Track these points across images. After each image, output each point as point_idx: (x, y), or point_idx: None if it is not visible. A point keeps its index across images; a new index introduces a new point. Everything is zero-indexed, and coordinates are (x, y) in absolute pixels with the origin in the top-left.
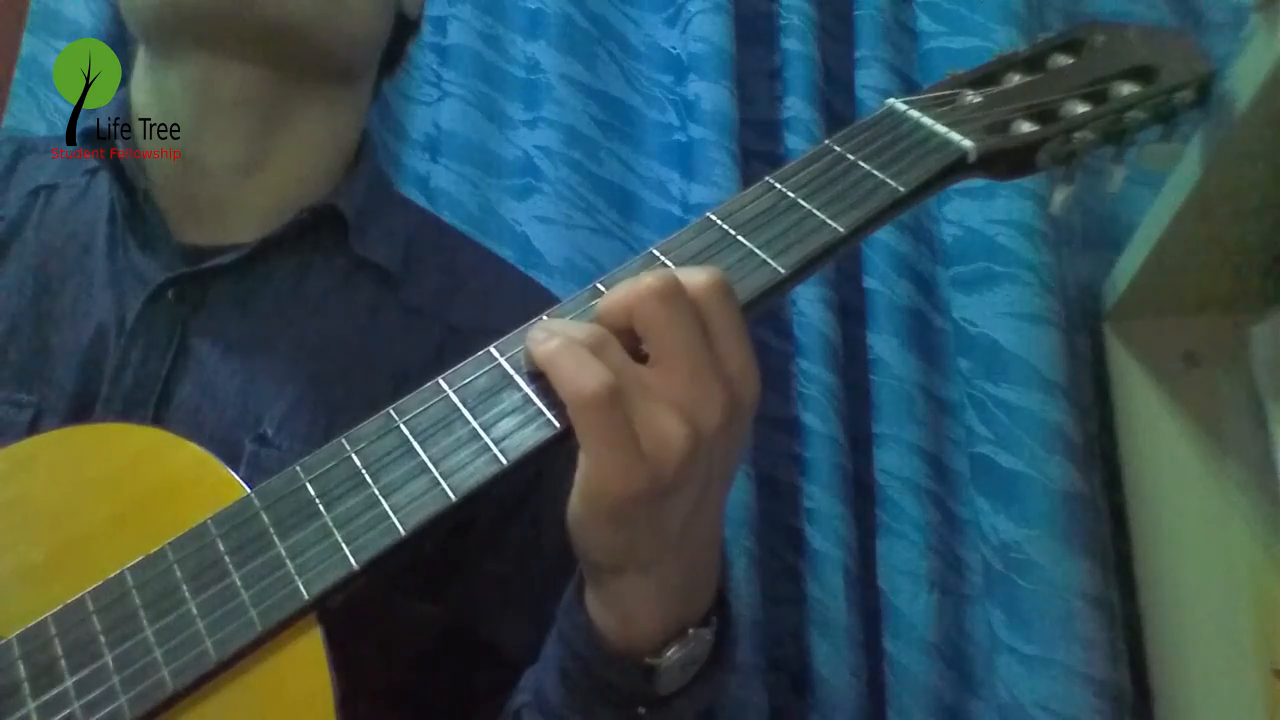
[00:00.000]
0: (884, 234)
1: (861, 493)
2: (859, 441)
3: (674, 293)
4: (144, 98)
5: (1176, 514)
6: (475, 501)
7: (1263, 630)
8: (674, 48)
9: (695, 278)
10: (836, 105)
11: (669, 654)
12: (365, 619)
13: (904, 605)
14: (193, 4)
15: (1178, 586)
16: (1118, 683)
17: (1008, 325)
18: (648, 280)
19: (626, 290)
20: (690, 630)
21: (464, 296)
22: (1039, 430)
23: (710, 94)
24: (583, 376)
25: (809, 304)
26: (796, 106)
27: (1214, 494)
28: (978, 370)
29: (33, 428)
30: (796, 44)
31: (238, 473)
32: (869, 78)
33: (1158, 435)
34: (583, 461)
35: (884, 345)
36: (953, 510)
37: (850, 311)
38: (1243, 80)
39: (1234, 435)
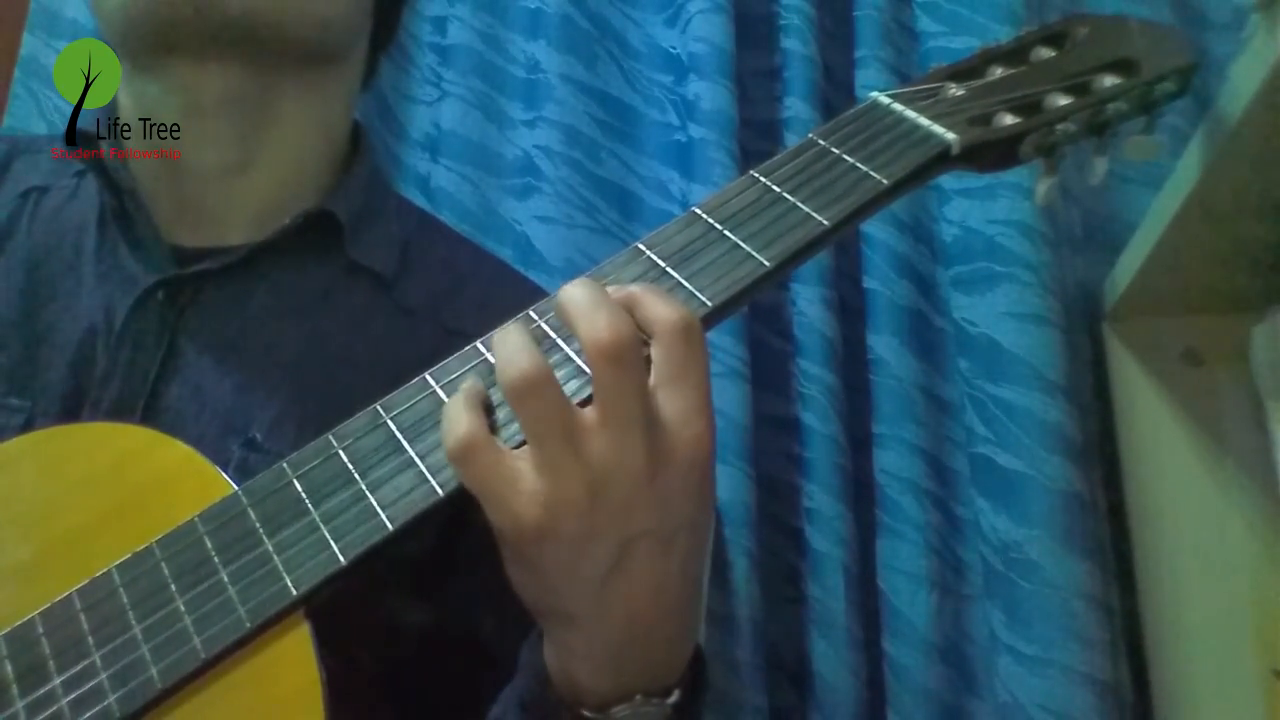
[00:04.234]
0: (884, 234)
1: (861, 493)
2: (859, 441)
3: (616, 356)
4: (128, 101)
5: (1176, 514)
6: (463, 497)
7: (1263, 630)
8: (674, 48)
9: (660, 315)
10: (836, 105)
11: (614, 712)
12: (357, 615)
13: (904, 605)
14: (154, 14)
15: (1178, 586)
16: (1118, 683)
17: (1008, 325)
18: (600, 332)
19: (582, 321)
20: (638, 696)
21: (461, 300)
22: (1039, 430)
23: (710, 94)
24: (451, 427)
25: (809, 304)
26: (796, 106)
27: (1214, 494)
28: (978, 370)
29: (24, 432)
30: (796, 44)
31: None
32: (869, 78)
33: (1158, 435)
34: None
35: (884, 345)
36: (953, 510)
37: (850, 311)
38: (1243, 80)
39: (1234, 435)
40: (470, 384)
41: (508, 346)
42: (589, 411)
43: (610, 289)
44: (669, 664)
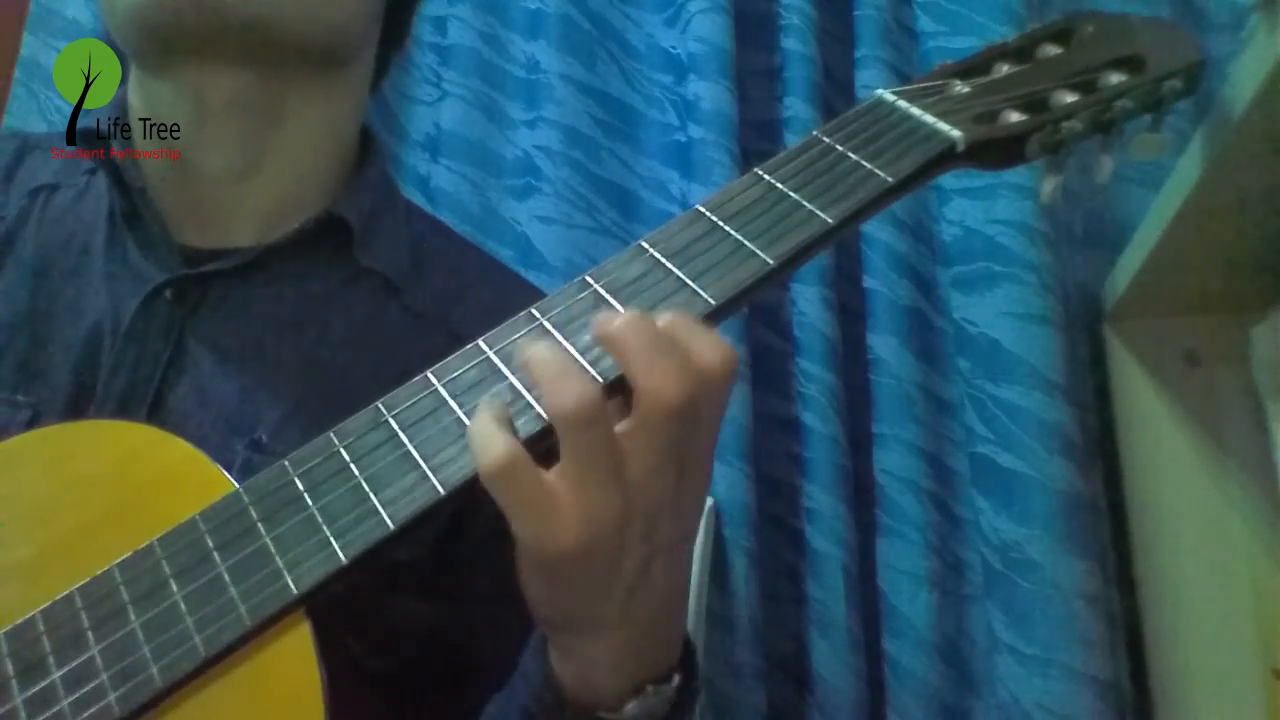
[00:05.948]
0: (884, 234)
1: (861, 493)
2: (859, 441)
3: (670, 417)
4: (138, 102)
5: (1176, 514)
6: (463, 495)
7: (1263, 630)
8: (674, 48)
9: (707, 358)
10: (836, 105)
11: (627, 709)
12: (358, 615)
13: (904, 605)
14: (160, 18)
15: (1178, 586)
16: (1118, 683)
17: (1008, 325)
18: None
19: (635, 363)
20: (650, 687)
21: (468, 304)
22: (1039, 430)
23: (710, 94)
24: (487, 446)
25: (809, 304)
26: (796, 106)
27: (1214, 494)
28: (978, 370)
29: (29, 429)
30: (796, 44)
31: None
32: (869, 78)
33: (1158, 435)
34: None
35: (884, 345)
36: (953, 510)
37: (850, 311)
38: (1243, 80)
39: (1234, 435)
40: (495, 402)
41: (552, 369)
42: (626, 437)
43: (647, 321)
44: (670, 652)
